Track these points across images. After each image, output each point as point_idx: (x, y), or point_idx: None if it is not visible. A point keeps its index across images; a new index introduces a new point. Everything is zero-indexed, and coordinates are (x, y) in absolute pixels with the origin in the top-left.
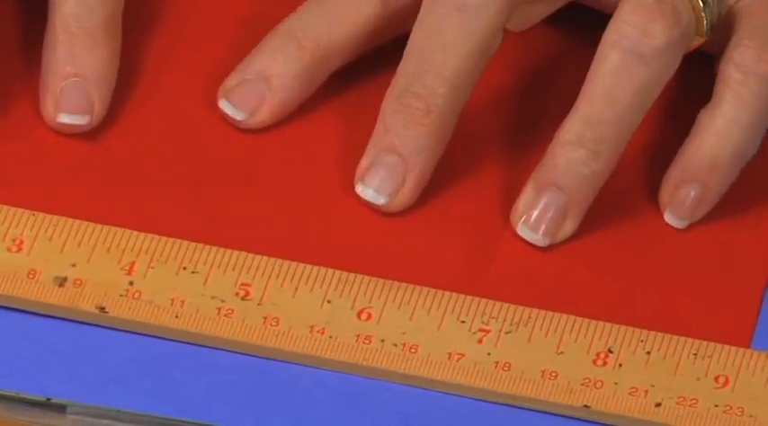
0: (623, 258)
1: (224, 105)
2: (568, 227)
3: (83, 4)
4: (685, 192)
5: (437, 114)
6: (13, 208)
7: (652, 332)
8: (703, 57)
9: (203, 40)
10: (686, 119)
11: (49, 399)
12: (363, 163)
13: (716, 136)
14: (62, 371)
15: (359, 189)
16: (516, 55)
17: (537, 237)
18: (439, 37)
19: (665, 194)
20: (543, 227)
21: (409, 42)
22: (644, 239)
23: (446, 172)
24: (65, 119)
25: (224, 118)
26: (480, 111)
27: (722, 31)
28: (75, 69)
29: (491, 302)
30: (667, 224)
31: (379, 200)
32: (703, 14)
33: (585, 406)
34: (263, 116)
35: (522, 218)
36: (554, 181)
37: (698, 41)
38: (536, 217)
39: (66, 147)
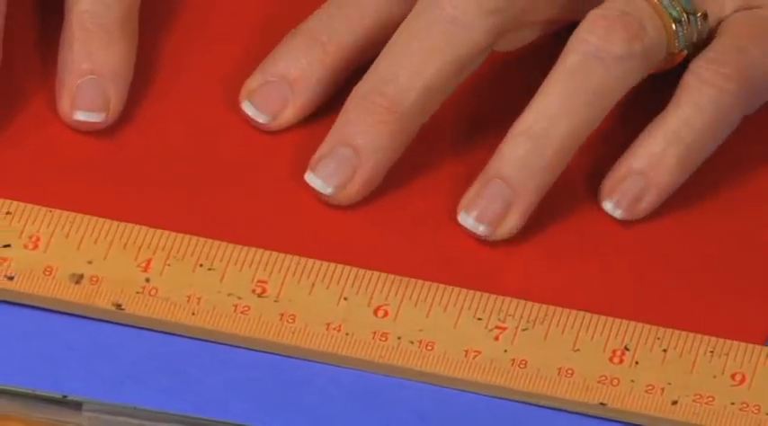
0: (639, 256)
1: (247, 107)
2: (512, 221)
3: (99, 1)
4: (628, 183)
5: (400, 115)
6: (29, 206)
7: (669, 330)
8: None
9: (218, 38)
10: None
11: (65, 396)
12: (318, 152)
13: (668, 133)
14: (78, 368)
15: (307, 176)
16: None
17: (478, 228)
18: (424, 40)
19: (607, 183)
20: (485, 219)
21: (390, 41)
22: (661, 237)
23: (455, 171)
24: (81, 116)
25: (243, 116)
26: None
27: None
28: (91, 66)
29: (507, 299)
30: (678, 222)
31: (326, 190)
32: (675, 32)
33: (602, 404)
34: (286, 119)
35: (465, 208)
36: (499, 173)
37: (678, 58)
38: (479, 208)
39: (83, 145)
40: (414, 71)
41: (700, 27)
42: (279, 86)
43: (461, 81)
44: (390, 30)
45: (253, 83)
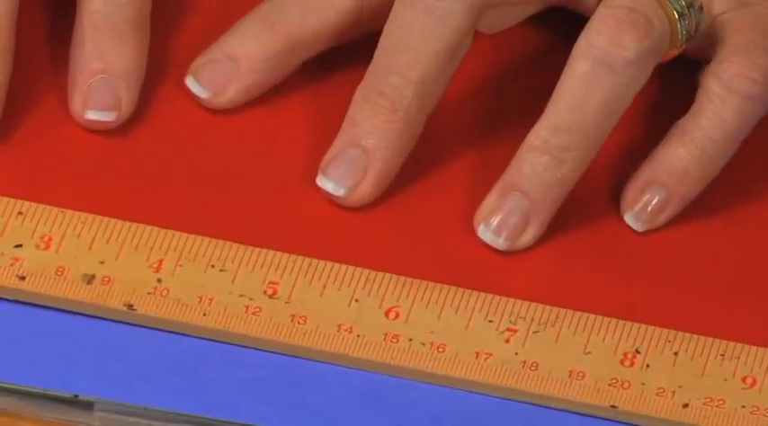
0: (650, 259)
1: (190, 82)
2: (530, 234)
3: (111, 1)
4: (650, 196)
5: (403, 113)
6: (41, 206)
7: (680, 333)
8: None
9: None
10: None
11: (76, 396)
12: (328, 154)
13: (690, 145)
14: (90, 368)
15: (319, 180)
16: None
17: (498, 241)
18: (406, 38)
19: (629, 195)
20: (504, 232)
21: (380, 41)
22: (672, 240)
23: (466, 173)
24: (92, 115)
25: (255, 118)
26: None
27: (705, 40)
28: (102, 66)
29: (519, 301)
30: (689, 225)
31: (338, 192)
32: (678, 26)
33: (613, 406)
34: (228, 97)
35: (484, 221)
36: (518, 187)
37: (674, 52)
38: (498, 221)
39: (95, 145)
40: (406, 68)
41: (697, 19)
42: (224, 64)
43: (456, 66)
44: (344, 20)
45: (199, 61)
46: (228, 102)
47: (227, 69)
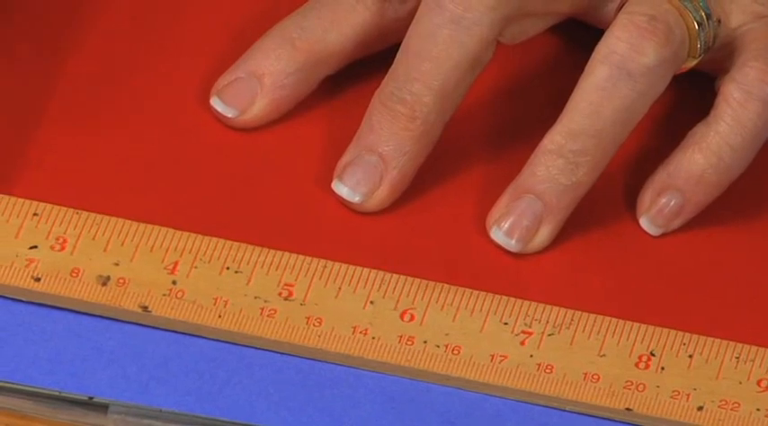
0: (665, 261)
1: (215, 103)
2: (543, 236)
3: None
4: (666, 201)
5: (422, 121)
6: (56, 207)
7: (694, 336)
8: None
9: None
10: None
11: (91, 398)
12: (344, 159)
13: (708, 151)
14: (104, 370)
15: (335, 185)
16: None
17: (510, 243)
18: (431, 46)
19: (645, 199)
20: (516, 233)
21: (402, 46)
22: (687, 243)
23: (482, 176)
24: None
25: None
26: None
27: (722, 52)
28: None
29: (534, 304)
30: (705, 228)
31: (354, 198)
32: (698, 36)
33: (628, 409)
34: (254, 114)
35: (497, 223)
36: (531, 189)
37: (691, 62)
38: (510, 223)
39: (111, 147)
40: (428, 76)
41: (715, 32)
42: (247, 82)
43: (476, 76)
44: (365, 35)
45: (223, 80)
46: (254, 119)
47: (251, 86)
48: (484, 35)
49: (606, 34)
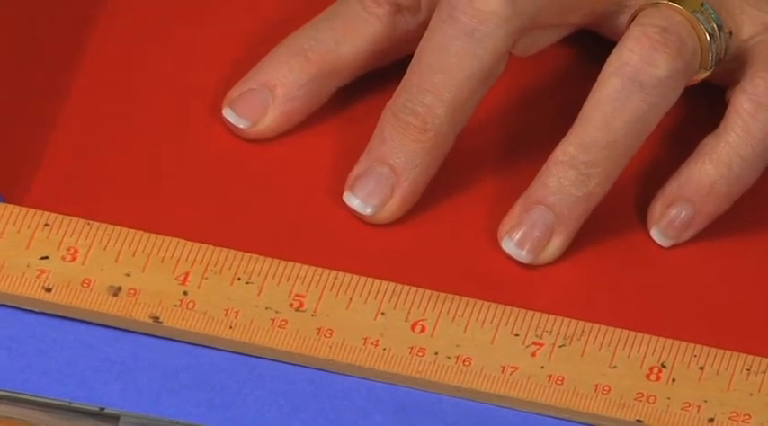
0: (676, 273)
1: (227, 114)
2: (554, 248)
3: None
4: (676, 212)
5: (434, 133)
6: (67, 217)
7: (705, 347)
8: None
9: (257, 55)
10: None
11: (102, 409)
12: (355, 171)
13: (718, 162)
14: (116, 381)
15: (346, 197)
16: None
17: (521, 254)
18: (444, 58)
19: (655, 210)
20: (527, 244)
21: (414, 57)
22: (698, 255)
23: (493, 187)
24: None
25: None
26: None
27: (733, 64)
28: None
29: (545, 315)
30: (715, 239)
31: (365, 210)
32: (710, 48)
33: (639, 421)
34: (266, 125)
35: (508, 234)
36: (543, 200)
37: (703, 74)
38: (521, 234)
39: (121, 158)
40: (440, 88)
41: (726, 44)
42: (260, 93)
43: (489, 88)
44: (377, 47)
45: (235, 91)
46: (266, 130)
47: (263, 97)
48: (497, 47)
49: (618, 46)
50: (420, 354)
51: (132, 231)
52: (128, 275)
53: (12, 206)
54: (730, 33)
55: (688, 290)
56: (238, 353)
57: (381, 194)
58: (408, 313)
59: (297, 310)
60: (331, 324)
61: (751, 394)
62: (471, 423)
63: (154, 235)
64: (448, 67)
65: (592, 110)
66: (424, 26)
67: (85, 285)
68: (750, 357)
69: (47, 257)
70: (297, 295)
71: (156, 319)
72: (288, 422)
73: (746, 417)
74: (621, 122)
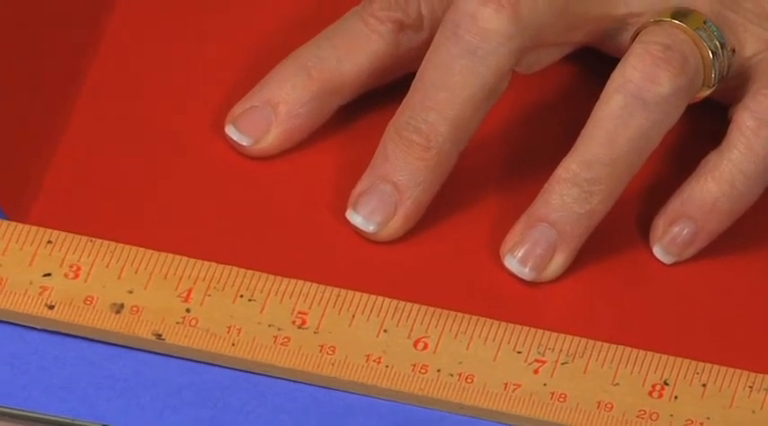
0: (678, 290)
1: (230, 131)
2: (557, 265)
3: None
4: (679, 229)
5: (436, 151)
6: (70, 235)
7: (708, 364)
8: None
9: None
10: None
11: None
12: (358, 188)
13: (721, 180)
14: (118, 398)
15: (349, 214)
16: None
17: (523, 271)
18: (447, 75)
19: (658, 227)
20: (530, 262)
21: (417, 75)
22: (699, 272)
23: (495, 204)
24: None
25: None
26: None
27: (736, 81)
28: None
29: (547, 333)
30: (717, 257)
31: (368, 228)
32: (712, 65)
33: None
34: (269, 142)
35: (510, 251)
36: (545, 218)
37: (706, 92)
38: (524, 251)
39: (124, 174)
40: (444, 106)
41: (729, 61)
42: (262, 111)
43: (492, 106)
44: (380, 64)
45: (238, 109)
46: (269, 147)
47: (266, 115)
48: (500, 65)
49: (621, 63)
50: (422, 371)
51: (135, 248)
52: (130, 292)
53: (14, 223)
54: (733, 51)
55: (690, 308)
56: (241, 370)
57: (384, 212)
58: (411, 330)
59: (299, 327)
60: (333, 342)
61: (753, 412)
62: None
63: (156, 253)
64: (451, 85)
65: (595, 127)
66: (426, 44)
67: (88, 302)
68: (753, 374)
69: (49, 274)
70: (299, 312)
71: (158, 336)
72: None
73: None
74: (624, 139)
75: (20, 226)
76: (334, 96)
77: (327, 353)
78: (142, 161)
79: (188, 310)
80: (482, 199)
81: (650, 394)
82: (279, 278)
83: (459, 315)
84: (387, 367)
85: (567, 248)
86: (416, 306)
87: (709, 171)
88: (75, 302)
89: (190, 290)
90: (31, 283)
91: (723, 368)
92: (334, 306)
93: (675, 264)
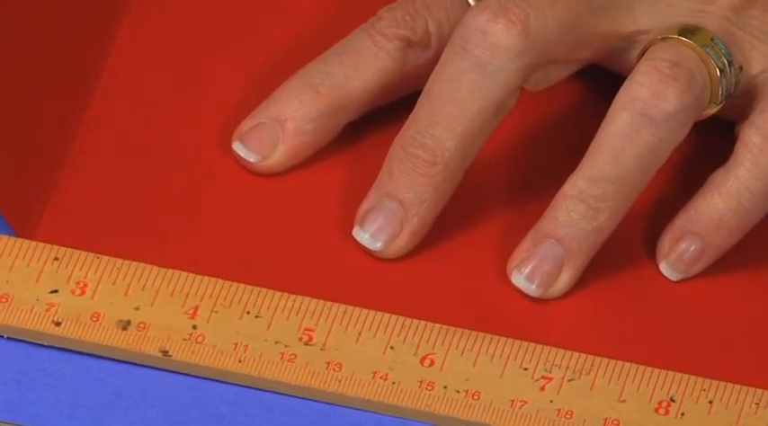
0: (685, 307)
1: (237, 147)
2: (564, 281)
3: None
4: (686, 246)
5: (442, 167)
6: (77, 251)
7: (714, 381)
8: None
9: (266, 89)
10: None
11: None
12: (364, 206)
13: (727, 196)
14: (125, 415)
15: (355, 232)
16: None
17: (530, 287)
18: (455, 90)
19: (664, 244)
20: (537, 278)
21: (425, 91)
22: (706, 288)
23: (502, 221)
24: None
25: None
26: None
27: (743, 98)
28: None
29: (554, 349)
30: (724, 273)
31: (375, 246)
32: (720, 83)
33: None
34: (277, 159)
35: (517, 267)
36: (553, 234)
37: (713, 109)
38: (531, 268)
39: (130, 191)
40: (451, 121)
41: (736, 79)
42: (270, 127)
43: (499, 122)
44: (387, 81)
45: (245, 125)
46: (276, 164)
47: (273, 132)
48: (509, 81)
49: (628, 80)
50: (429, 388)
51: (141, 265)
52: (137, 309)
53: (21, 239)
54: (740, 68)
55: (697, 324)
56: (247, 387)
57: (390, 229)
58: (417, 347)
59: (306, 344)
60: (340, 358)
61: None
62: None
63: (163, 269)
64: (459, 100)
65: (601, 144)
66: (433, 62)
67: (95, 319)
68: (759, 391)
69: (56, 291)
70: (306, 329)
71: (165, 353)
72: None
73: None
74: (631, 157)
75: (27, 242)
76: (341, 113)
77: (334, 370)
78: (149, 178)
79: (195, 327)
80: (489, 216)
81: (657, 410)
82: (285, 294)
83: (466, 331)
84: (393, 383)
85: (574, 265)
86: (423, 323)
87: (716, 187)
88: (82, 319)
89: (196, 307)
90: (37, 300)
91: (730, 385)
92: (340, 323)
93: (682, 281)
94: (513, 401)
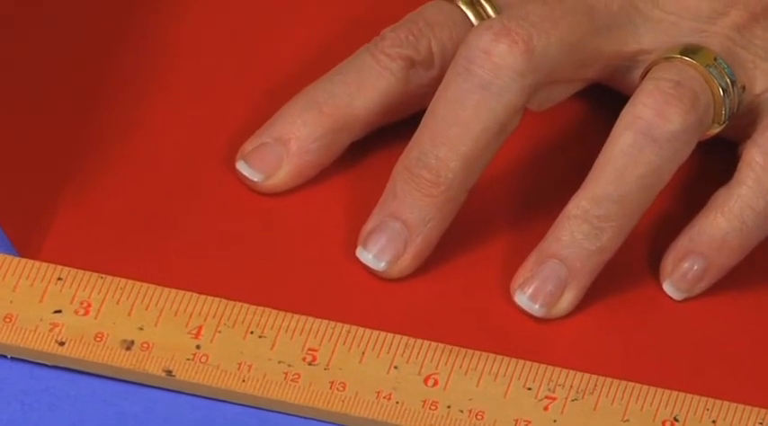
0: (688, 326)
1: (241, 167)
2: (567, 301)
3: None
4: (689, 265)
5: (446, 187)
6: (81, 271)
7: (718, 401)
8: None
9: (271, 107)
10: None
11: None
12: (368, 226)
13: (730, 215)
14: None
15: (359, 252)
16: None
17: (534, 307)
18: (459, 111)
19: (668, 264)
20: (540, 298)
21: (428, 111)
22: (709, 308)
23: (505, 241)
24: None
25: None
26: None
27: (746, 118)
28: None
29: (558, 369)
30: (728, 292)
31: (378, 266)
32: (723, 102)
33: None
34: (280, 179)
35: (520, 287)
36: (556, 254)
37: (716, 129)
38: (534, 288)
39: (134, 211)
40: (455, 141)
41: (739, 98)
42: (274, 147)
43: (503, 142)
44: (391, 101)
45: (249, 145)
46: (280, 184)
47: (277, 151)
48: (513, 101)
49: (632, 100)
50: (433, 408)
51: (145, 285)
52: (141, 329)
53: (25, 260)
54: (743, 88)
55: (701, 344)
56: (251, 407)
57: (394, 250)
58: (421, 366)
59: (310, 364)
60: (344, 378)
61: None
62: None
63: (167, 289)
64: (463, 120)
65: (605, 164)
66: (437, 81)
67: (98, 339)
68: (763, 410)
69: (60, 311)
70: (310, 348)
71: (169, 373)
72: None
73: None
74: (634, 176)
75: (30, 262)
76: (345, 133)
77: (338, 390)
78: (153, 197)
79: (198, 346)
80: (492, 236)
81: None
82: (289, 314)
83: (470, 351)
84: (397, 403)
85: (577, 284)
86: (426, 343)
87: (719, 206)
88: (86, 338)
89: (200, 327)
90: (41, 319)
91: (733, 405)
92: (344, 343)
93: (685, 300)
94: (516, 420)
